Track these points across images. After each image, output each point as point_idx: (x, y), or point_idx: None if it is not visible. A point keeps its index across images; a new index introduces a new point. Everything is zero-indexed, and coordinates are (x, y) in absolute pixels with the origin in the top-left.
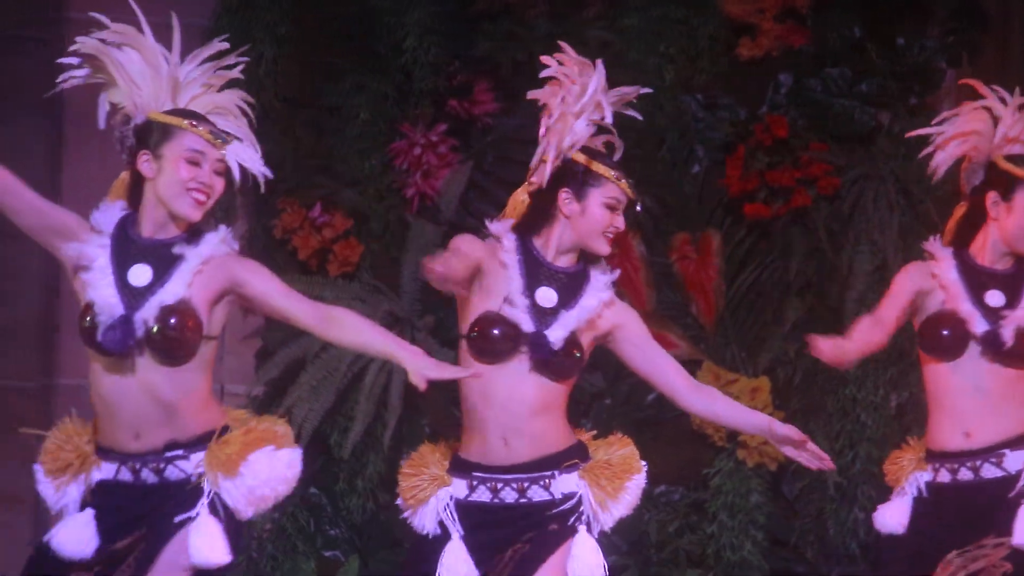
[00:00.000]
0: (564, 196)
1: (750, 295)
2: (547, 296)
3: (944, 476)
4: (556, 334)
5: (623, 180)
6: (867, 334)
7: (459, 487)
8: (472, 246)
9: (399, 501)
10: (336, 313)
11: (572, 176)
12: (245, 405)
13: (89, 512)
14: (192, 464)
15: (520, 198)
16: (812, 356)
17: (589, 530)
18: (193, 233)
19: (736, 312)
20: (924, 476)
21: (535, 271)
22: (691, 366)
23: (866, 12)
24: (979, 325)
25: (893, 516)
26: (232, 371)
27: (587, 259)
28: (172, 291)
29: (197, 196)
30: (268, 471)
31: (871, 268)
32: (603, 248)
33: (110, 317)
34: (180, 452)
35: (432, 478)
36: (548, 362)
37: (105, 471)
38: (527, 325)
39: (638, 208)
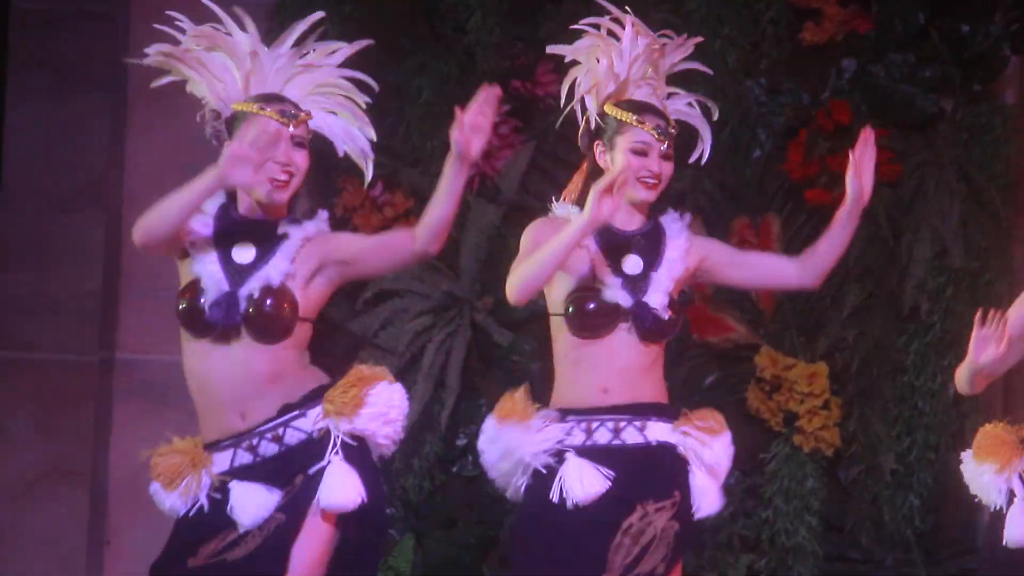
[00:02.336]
0: (599, 150)
1: None
2: (633, 263)
3: None
4: (656, 300)
5: (647, 123)
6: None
7: (555, 430)
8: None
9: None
10: (422, 222)
11: (602, 129)
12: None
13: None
14: (310, 421)
15: (577, 175)
16: (870, 342)
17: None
18: (294, 217)
19: (795, 297)
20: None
21: (613, 242)
22: (749, 350)
23: None
24: None
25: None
26: None
27: (657, 211)
28: (277, 268)
29: (276, 177)
30: (389, 399)
31: (931, 255)
32: (640, 194)
33: (218, 293)
34: (296, 413)
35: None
36: (652, 330)
37: (219, 463)
38: (624, 300)
39: (672, 131)
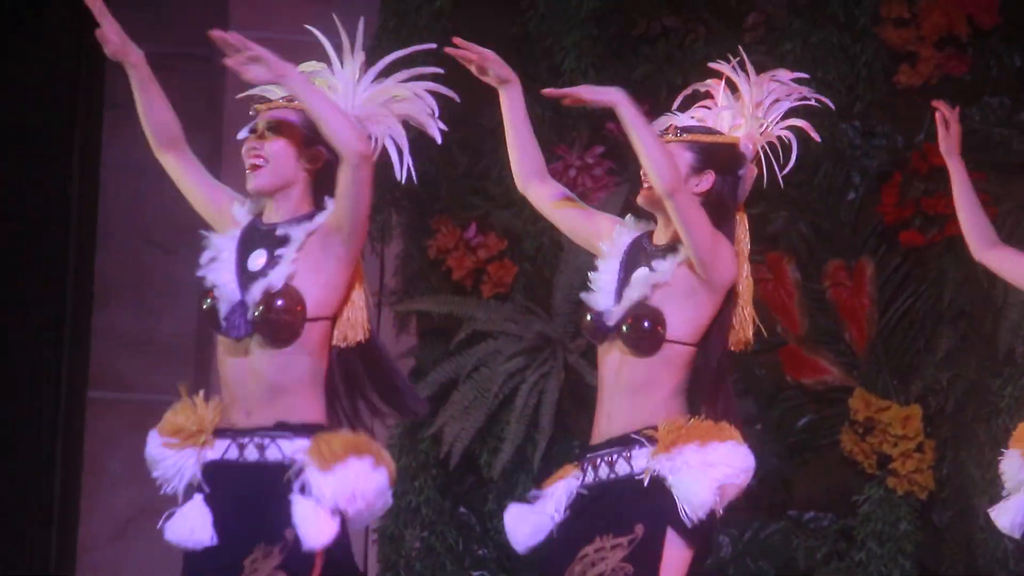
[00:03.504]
0: None
1: (903, 323)
2: (639, 275)
3: None
4: (616, 309)
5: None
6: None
7: (578, 473)
8: (600, 217)
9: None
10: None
11: None
12: (397, 424)
13: (199, 498)
14: (292, 447)
15: None
16: (965, 384)
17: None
18: (306, 215)
19: (889, 339)
20: None
21: (635, 258)
22: (843, 392)
23: None
24: None
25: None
26: None
27: None
28: (279, 273)
29: (250, 163)
30: (360, 482)
31: None
32: (641, 200)
33: (228, 302)
34: (287, 433)
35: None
36: (622, 336)
37: (216, 450)
38: (596, 304)
39: (678, 135)
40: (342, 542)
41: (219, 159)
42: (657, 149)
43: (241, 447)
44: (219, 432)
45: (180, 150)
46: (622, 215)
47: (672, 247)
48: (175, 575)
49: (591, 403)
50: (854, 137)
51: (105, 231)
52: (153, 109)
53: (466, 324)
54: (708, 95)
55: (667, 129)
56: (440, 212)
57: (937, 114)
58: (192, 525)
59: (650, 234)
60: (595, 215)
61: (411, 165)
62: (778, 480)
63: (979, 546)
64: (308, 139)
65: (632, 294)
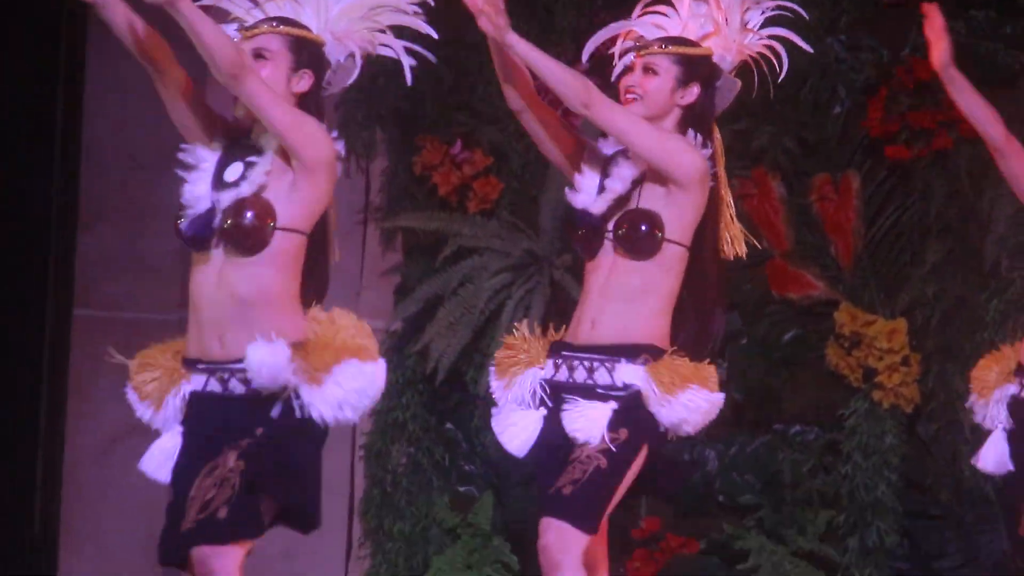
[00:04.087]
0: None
1: (889, 237)
2: (620, 176)
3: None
4: (598, 205)
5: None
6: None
7: (548, 367)
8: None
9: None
10: None
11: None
12: (383, 341)
13: (176, 431)
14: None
15: None
16: (950, 298)
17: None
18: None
19: (875, 253)
20: (1011, 388)
21: (613, 158)
22: (829, 306)
23: None
24: None
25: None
26: (370, 306)
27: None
28: (250, 182)
29: None
30: (352, 383)
31: (1012, 211)
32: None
33: (197, 211)
34: None
35: (527, 360)
36: (622, 240)
37: (195, 382)
38: (580, 203)
39: (658, 46)
40: (305, 464)
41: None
42: (558, 72)
43: (223, 381)
44: (192, 363)
45: (165, 55)
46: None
47: None
48: (161, 494)
49: None
50: (840, 51)
51: (90, 152)
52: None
53: (452, 240)
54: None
55: (651, 42)
56: (426, 129)
57: (926, 27)
58: (162, 458)
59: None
60: (577, 134)
61: (412, 65)
62: (764, 394)
63: (964, 458)
64: (296, 63)
65: (614, 185)
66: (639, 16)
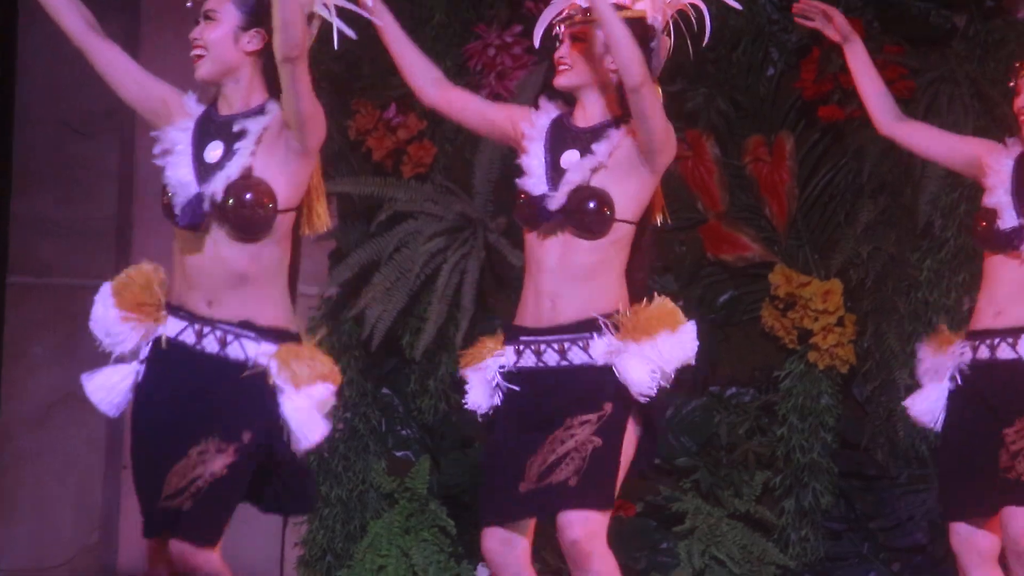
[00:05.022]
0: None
1: (823, 197)
2: (568, 158)
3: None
4: (561, 190)
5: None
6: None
7: (508, 355)
8: (509, 108)
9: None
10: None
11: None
12: (318, 306)
13: (131, 369)
14: (257, 350)
15: None
16: (884, 258)
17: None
18: (260, 107)
19: (809, 214)
20: (961, 348)
21: (561, 139)
22: (764, 268)
23: None
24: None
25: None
26: (305, 272)
27: (622, 116)
28: (236, 164)
29: (193, 52)
30: (322, 408)
31: (944, 171)
32: (555, 82)
33: (185, 195)
34: (252, 334)
35: (488, 350)
36: (566, 219)
37: (171, 327)
38: (536, 188)
39: (579, 14)
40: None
41: (136, 39)
42: (630, 44)
43: (199, 334)
44: (172, 310)
45: (101, 40)
46: (541, 92)
47: (601, 130)
48: (98, 460)
49: (512, 282)
50: (772, 12)
51: (23, 116)
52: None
53: (386, 205)
54: None
55: (577, 12)
56: (360, 93)
57: (811, 24)
58: (114, 387)
59: (568, 115)
60: (503, 108)
61: (343, 28)
62: (700, 357)
63: (900, 418)
64: (245, 22)
65: (573, 177)
66: None
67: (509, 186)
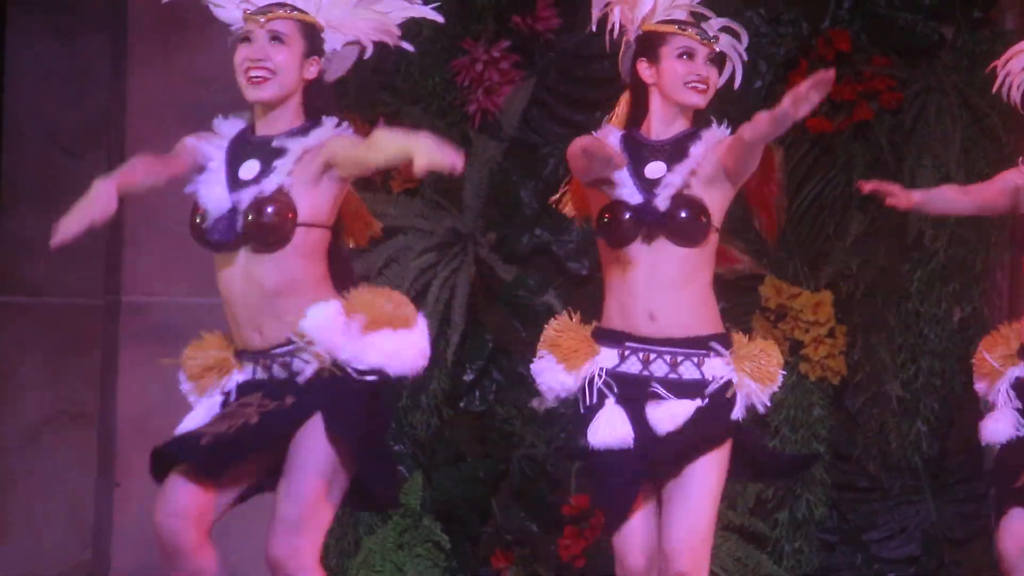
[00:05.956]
0: (642, 66)
1: (812, 209)
2: (655, 169)
3: None
4: (663, 194)
5: (688, 29)
6: (946, 191)
7: (608, 356)
8: (596, 140)
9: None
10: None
11: (646, 47)
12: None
13: (216, 401)
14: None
15: (623, 99)
16: (874, 270)
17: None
18: (302, 128)
19: (798, 226)
20: (1016, 371)
21: (639, 153)
22: (754, 280)
23: None
24: None
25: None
26: None
27: (699, 125)
28: (272, 181)
29: (251, 75)
30: (398, 346)
31: (933, 182)
32: (691, 98)
33: (218, 212)
34: (300, 344)
35: (584, 346)
36: (665, 227)
37: (245, 372)
38: (632, 197)
39: (717, 49)
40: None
41: (123, 58)
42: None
43: (267, 367)
44: (240, 354)
45: (170, 169)
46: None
47: (684, 140)
48: (90, 477)
49: (502, 297)
50: (760, 25)
51: (10, 134)
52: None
53: (376, 220)
54: None
55: (707, 29)
56: (349, 108)
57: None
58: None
59: (635, 131)
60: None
61: (406, 47)
62: None
63: (892, 429)
64: (308, 49)
65: (673, 180)
66: None
67: (498, 201)
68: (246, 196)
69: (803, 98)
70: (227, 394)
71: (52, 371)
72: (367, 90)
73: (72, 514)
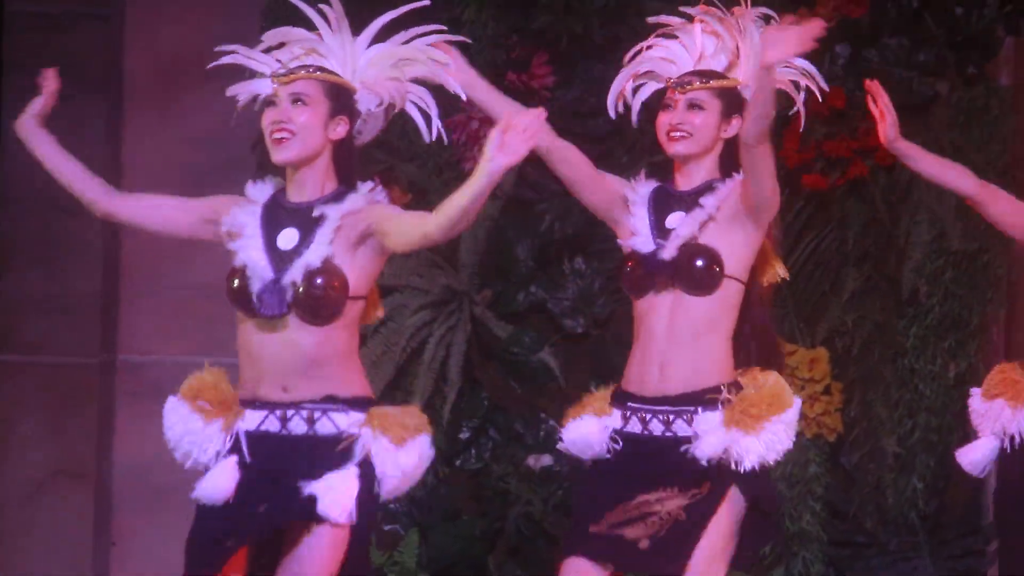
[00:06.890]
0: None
1: (808, 266)
2: (675, 219)
3: None
4: (671, 244)
5: (670, 80)
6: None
7: (615, 418)
8: (614, 180)
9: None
10: (441, 206)
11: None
12: None
13: (232, 459)
14: (347, 421)
15: None
16: (870, 326)
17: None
18: (337, 194)
19: (794, 283)
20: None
21: (666, 204)
22: None
23: None
24: None
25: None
26: None
27: (723, 174)
28: (316, 252)
29: (274, 136)
30: (419, 459)
31: (929, 238)
32: (671, 148)
33: (260, 280)
34: (340, 406)
35: (595, 408)
36: (674, 276)
37: (249, 420)
38: (645, 247)
39: (700, 80)
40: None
41: (120, 119)
42: (772, 103)
43: (283, 419)
44: (246, 403)
45: (121, 199)
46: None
47: (705, 188)
48: (87, 536)
49: (498, 354)
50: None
51: (8, 194)
52: (64, 175)
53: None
54: (669, 35)
55: (690, 77)
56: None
57: (870, 104)
58: (219, 484)
59: (668, 183)
60: (621, 183)
61: (440, 126)
62: None
63: (888, 486)
64: (333, 109)
65: (682, 231)
66: (646, 49)
67: (494, 259)
68: (294, 267)
69: (778, 39)
70: (236, 440)
71: (49, 429)
72: (362, 147)
73: (70, 572)
